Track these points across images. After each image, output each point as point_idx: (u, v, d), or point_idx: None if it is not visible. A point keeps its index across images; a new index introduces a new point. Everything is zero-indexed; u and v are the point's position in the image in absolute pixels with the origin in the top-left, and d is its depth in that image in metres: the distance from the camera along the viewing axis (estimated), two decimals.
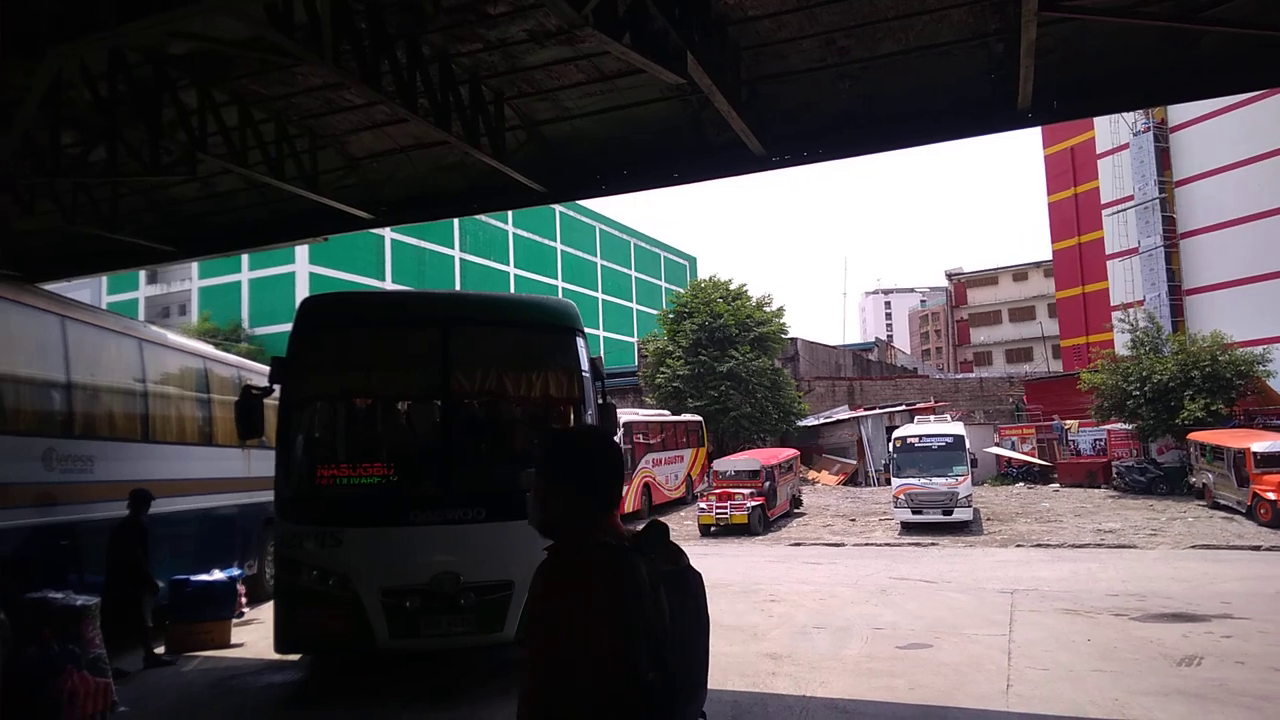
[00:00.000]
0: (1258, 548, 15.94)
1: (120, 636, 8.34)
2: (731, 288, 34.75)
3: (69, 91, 8.40)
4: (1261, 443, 19.69)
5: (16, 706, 6.15)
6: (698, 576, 2.15)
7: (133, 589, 8.61)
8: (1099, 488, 27.30)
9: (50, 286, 11.17)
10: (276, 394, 7.80)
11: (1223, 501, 20.91)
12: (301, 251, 42.69)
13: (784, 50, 8.07)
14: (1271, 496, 18.21)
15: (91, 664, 6.69)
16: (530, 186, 10.05)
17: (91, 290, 40.99)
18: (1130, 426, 27.09)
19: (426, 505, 7.32)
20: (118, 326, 10.27)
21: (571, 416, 8.40)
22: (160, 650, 9.18)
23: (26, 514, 7.76)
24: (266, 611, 10.97)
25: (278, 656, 8.53)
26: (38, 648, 6.43)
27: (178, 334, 13.39)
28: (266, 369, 8.10)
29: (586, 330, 8.56)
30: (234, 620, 9.98)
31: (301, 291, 41.99)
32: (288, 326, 8.29)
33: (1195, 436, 22.98)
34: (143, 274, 46.65)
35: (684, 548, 2.14)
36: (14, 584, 7.00)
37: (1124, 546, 16.69)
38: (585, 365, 8.18)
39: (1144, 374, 25.30)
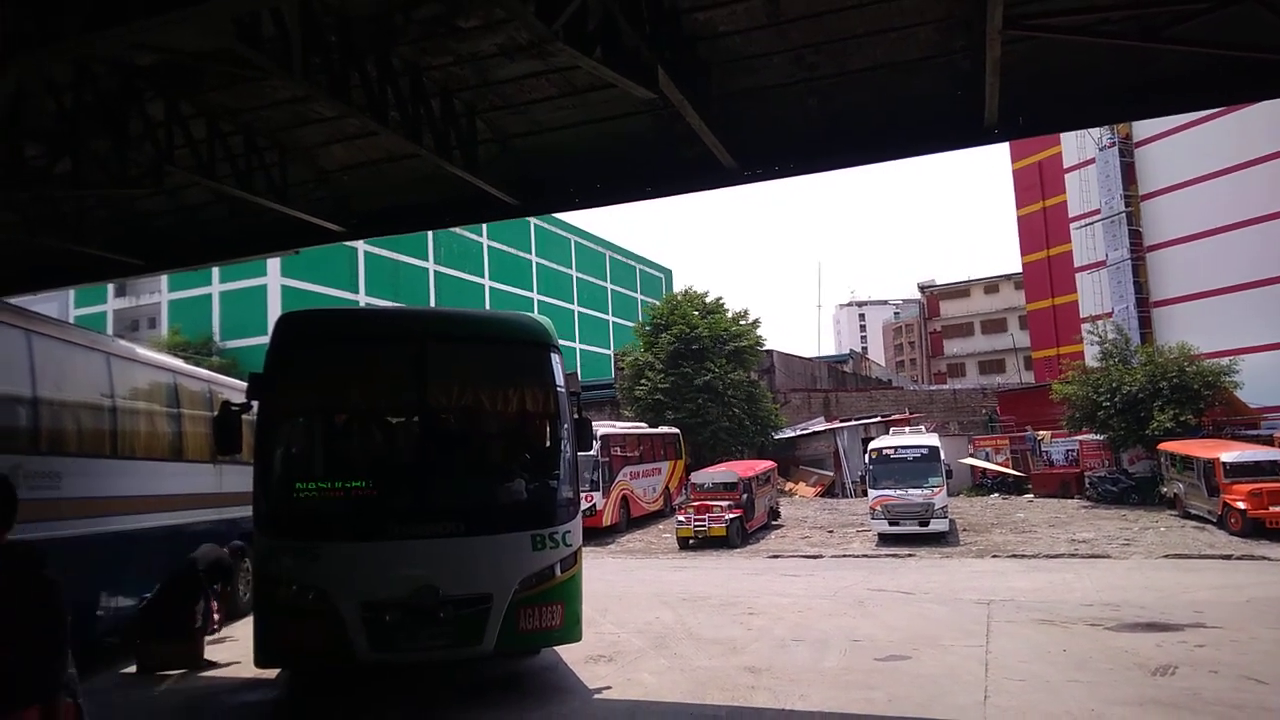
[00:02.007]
0: (1229, 557, 16.12)
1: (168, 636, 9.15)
2: (708, 300, 34.84)
3: (33, 102, 8.28)
4: (1230, 453, 19.97)
5: None
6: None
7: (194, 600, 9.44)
8: (1072, 498, 27.56)
9: (15, 300, 10.94)
10: (255, 410, 7.76)
11: (1194, 511, 21.15)
12: (274, 264, 42.33)
13: (754, 66, 8.12)
14: (1241, 506, 18.45)
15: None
16: (503, 200, 10.02)
17: (59, 304, 40.40)
18: (1102, 437, 27.39)
19: (404, 519, 7.33)
20: (85, 341, 10.08)
21: (547, 431, 8.41)
22: (132, 670, 8.99)
23: None
24: (241, 629, 10.85)
25: (253, 675, 8.47)
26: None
27: (147, 348, 13.19)
28: (238, 383, 8.05)
29: (562, 343, 8.56)
30: (208, 638, 9.82)
31: (274, 304, 41.62)
32: (260, 340, 8.23)
33: (1165, 447, 23.27)
34: (111, 287, 46.03)
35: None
36: None
37: (1098, 556, 16.83)
38: (560, 381, 8.20)
39: (1114, 385, 25.61)
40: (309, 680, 8.57)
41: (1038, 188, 46.95)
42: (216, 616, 10.24)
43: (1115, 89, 8.19)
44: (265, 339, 8.23)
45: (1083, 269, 40.96)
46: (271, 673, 8.55)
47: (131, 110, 8.64)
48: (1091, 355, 29.97)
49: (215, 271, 43.41)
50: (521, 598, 7.39)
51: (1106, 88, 8.20)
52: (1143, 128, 37.00)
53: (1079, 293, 41.77)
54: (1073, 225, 41.74)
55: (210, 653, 9.61)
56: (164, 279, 44.86)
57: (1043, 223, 46.62)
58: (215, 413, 8.78)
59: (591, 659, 9.02)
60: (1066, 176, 42.52)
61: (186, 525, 10.87)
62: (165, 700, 8.28)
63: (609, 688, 8.03)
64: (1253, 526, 18.04)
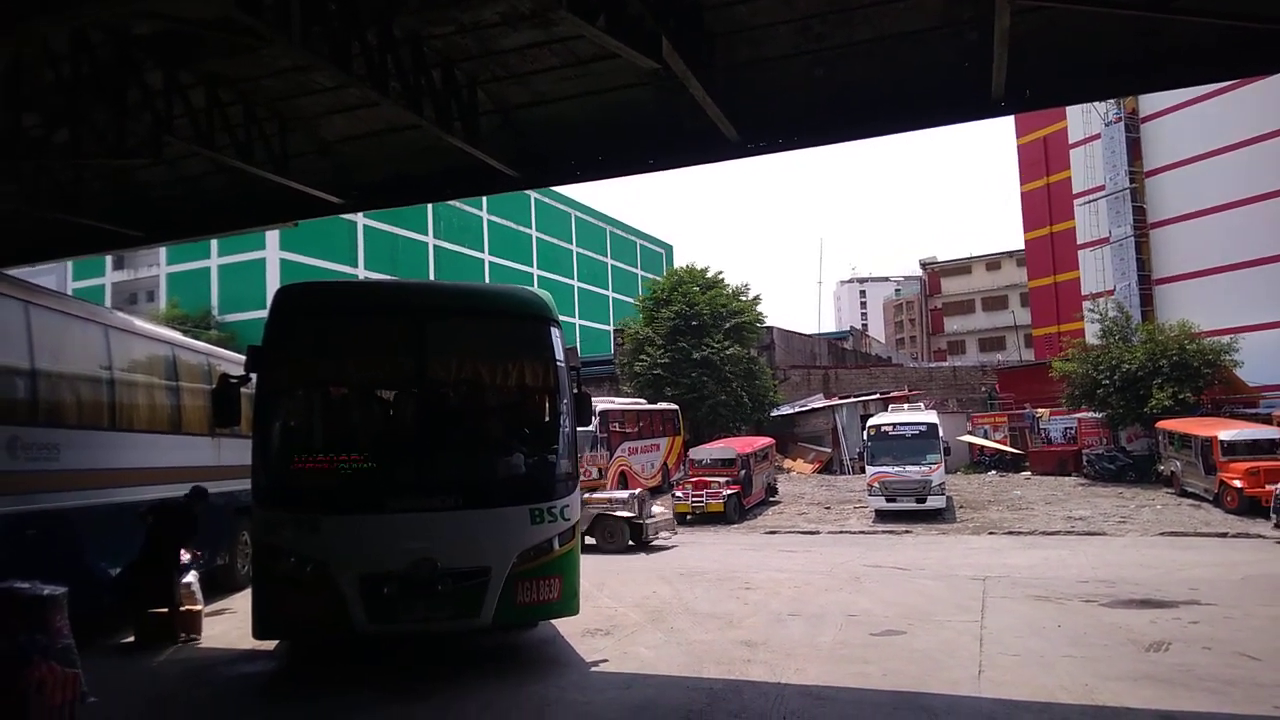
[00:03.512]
0: (1224, 534, 16.21)
1: (145, 605, 9.10)
2: (708, 276, 34.73)
3: (30, 72, 8.20)
4: (1228, 431, 20.01)
5: None
6: None
7: (169, 567, 9.15)
8: (1069, 475, 27.63)
9: (13, 272, 10.89)
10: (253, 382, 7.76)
11: (1190, 489, 21.23)
12: (272, 237, 42.11)
13: (759, 37, 8.04)
14: (1238, 484, 18.52)
15: (60, 654, 6.56)
16: (504, 172, 9.97)
17: (57, 276, 40.26)
18: (1100, 415, 27.43)
19: (403, 492, 7.37)
20: (83, 313, 10.05)
21: (546, 406, 8.40)
22: (130, 640, 9.03)
23: None
24: (239, 602, 10.91)
25: (250, 646, 8.51)
26: (5, 639, 6.30)
27: (145, 320, 13.15)
28: (236, 356, 8.02)
29: (561, 319, 8.53)
30: (205, 610, 9.86)
31: (272, 278, 41.43)
32: (258, 314, 8.22)
33: (1163, 425, 23.30)
34: (109, 260, 45.85)
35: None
36: None
37: (1094, 534, 16.91)
38: (560, 355, 8.18)
39: (1113, 363, 25.61)
40: (307, 652, 8.62)
41: (1042, 163, 46.65)
42: (187, 557, 9.63)
43: (1124, 61, 8.12)
44: (264, 313, 8.20)
45: (1085, 246, 40.78)
46: (270, 644, 8.61)
47: (129, 80, 8.57)
48: (1092, 333, 29.91)
49: (214, 245, 43.23)
50: (519, 571, 7.43)
51: (1115, 60, 8.14)
52: (1149, 103, 36.71)
53: (1081, 270, 41.61)
54: (1076, 202, 41.50)
55: (208, 625, 9.66)
56: (162, 252, 44.67)
57: (1046, 199, 46.36)
58: (213, 386, 8.77)
59: (589, 632, 9.07)
60: (1071, 152, 42.19)
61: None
62: (163, 670, 8.32)
63: (606, 660, 8.08)
64: (1249, 505, 18.10)
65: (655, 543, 16.38)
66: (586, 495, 15.70)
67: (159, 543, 9.28)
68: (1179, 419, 23.17)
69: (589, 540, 15.35)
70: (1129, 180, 37.19)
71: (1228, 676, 7.21)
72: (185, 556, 9.56)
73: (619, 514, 15.94)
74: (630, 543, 15.84)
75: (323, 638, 8.21)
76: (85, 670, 6.84)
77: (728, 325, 32.85)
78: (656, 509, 17.08)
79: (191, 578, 9.62)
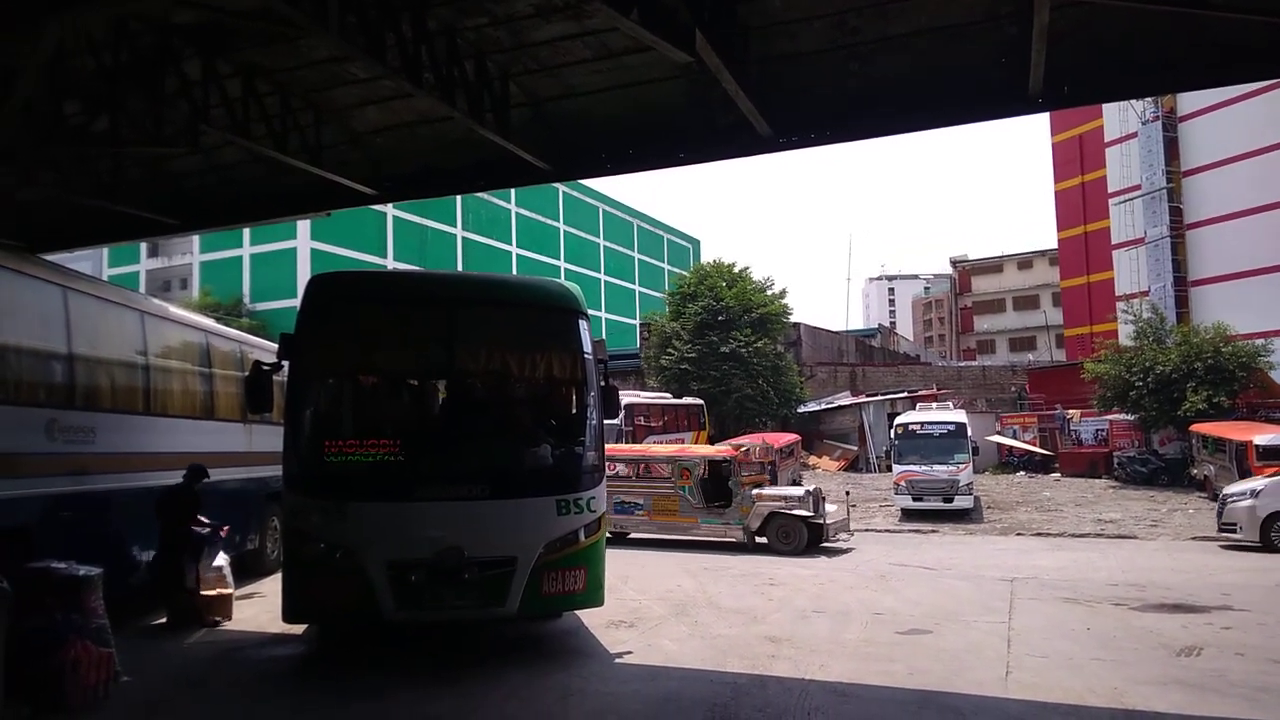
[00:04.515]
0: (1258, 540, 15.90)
1: (177, 589, 9.13)
2: (734, 270, 34.63)
3: (72, 60, 8.32)
4: (1264, 435, 19.65)
5: (20, 676, 6.16)
6: None
7: (177, 552, 9.13)
8: (1100, 478, 27.30)
9: (52, 258, 11.08)
10: (286, 370, 7.87)
11: None
12: (303, 227, 42.49)
13: (794, 30, 7.99)
14: None
15: (94, 633, 6.71)
16: (535, 164, 9.99)
17: (93, 263, 40.88)
18: (1132, 417, 27.07)
19: (431, 481, 7.42)
20: (119, 299, 10.20)
21: (574, 398, 8.41)
22: (162, 621, 9.18)
23: (29, 484, 7.74)
24: (268, 585, 11.06)
25: (280, 630, 8.63)
26: (40, 618, 6.44)
27: (179, 308, 13.33)
28: (269, 344, 8.11)
29: (589, 312, 8.54)
30: (236, 594, 10.00)
31: (303, 267, 41.85)
32: (289, 302, 8.32)
33: (1197, 428, 22.94)
34: (144, 247, 46.47)
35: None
36: (16, 554, 7.00)
37: (1124, 537, 16.70)
38: (588, 347, 8.19)
39: (1147, 365, 25.25)
40: (336, 636, 8.72)
41: (1077, 162, 46.01)
42: (208, 531, 9.51)
43: (1164, 58, 7.99)
44: (294, 302, 8.30)
45: (1120, 246, 40.23)
46: (299, 628, 8.72)
47: (168, 69, 8.67)
48: (1125, 334, 29.51)
49: (246, 234, 43.71)
50: (545, 561, 7.47)
51: (1155, 57, 8.00)
52: (1187, 102, 36.11)
53: (1115, 270, 41.05)
54: (1112, 201, 40.94)
55: (238, 608, 9.79)
56: (195, 241, 45.26)
57: (1081, 198, 45.74)
58: (246, 373, 8.86)
59: (613, 624, 9.10)
60: (1107, 151, 41.61)
61: (218, 483, 11.02)
62: (194, 652, 8.44)
63: (630, 653, 8.10)
64: None
65: (834, 545, 15.21)
66: (756, 492, 15.27)
67: (166, 529, 9.23)
68: (1213, 422, 22.80)
69: (760, 540, 14.89)
70: (1166, 180, 36.62)
71: (1261, 683, 7.09)
72: (220, 532, 9.64)
73: (796, 512, 14.73)
74: (806, 544, 14.57)
75: (351, 623, 8.29)
76: (118, 650, 6.99)
77: (754, 317, 32.73)
78: (830, 507, 15.77)
79: (222, 561, 9.74)
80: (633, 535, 15.87)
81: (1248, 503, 14.96)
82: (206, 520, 9.49)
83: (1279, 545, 14.43)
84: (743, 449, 17.74)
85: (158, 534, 9.22)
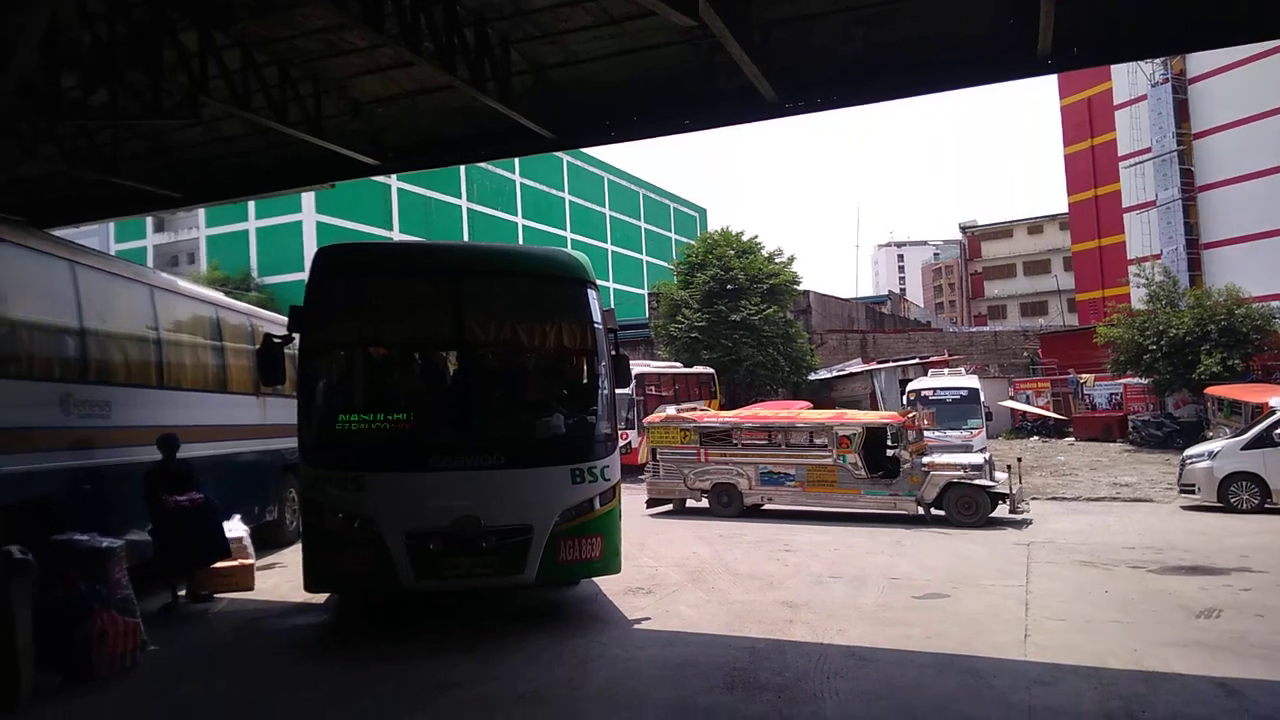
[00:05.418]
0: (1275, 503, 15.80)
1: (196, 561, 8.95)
2: (743, 240, 34.35)
3: (69, 33, 8.21)
4: None
5: (50, 647, 6.21)
6: None
7: (178, 525, 8.84)
8: (1114, 442, 27.20)
9: (58, 233, 11.03)
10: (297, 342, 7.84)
11: None
12: (309, 200, 42.40)
13: None
14: None
15: (120, 604, 6.79)
16: (538, 132, 9.86)
17: (99, 238, 40.87)
18: (1146, 381, 26.90)
19: (445, 451, 7.43)
20: (128, 273, 10.15)
21: (585, 367, 8.39)
22: (183, 594, 9.21)
23: (48, 458, 7.76)
24: (289, 556, 11.11)
25: (301, 600, 8.71)
26: (65, 589, 6.49)
27: (188, 281, 13.29)
28: (278, 317, 8.06)
29: (598, 282, 8.47)
30: (257, 564, 10.05)
31: (309, 240, 41.80)
32: (296, 276, 8.27)
33: (1213, 391, 22.77)
34: (150, 222, 46.46)
35: None
36: (37, 526, 7.02)
37: (1140, 500, 16.61)
38: (598, 317, 8.15)
39: (1160, 328, 25.05)
40: (356, 605, 8.78)
41: (1086, 125, 45.48)
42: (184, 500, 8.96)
43: (1175, 18, 7.80)
44: (301, 275, 8.24)
45: (1131, 209, 39.84)
46: (320, 598, 8.77)
47: (165, 40, 8.55)
48: (1138, 297, 29.29)
49: (251, 208, 43.60)
50: (561, 529, 7.47)
51: (1166, 16, 7.81)
52: (1197, 63, 35.57)
53: (1126, 233, 40.69)
54: (1122, 164, 40.48)
55: (259, 578, 9.84)
56: (201, 215, 45.20)
57: (1090, 161, 45.26)
58: (256, 346, 8.82)
59: (630, 591, 9.10)
60: (1117, 114, 41.11)
61: (232, 455, 11.06)
62: (218, 622, 8.53)
63: (648, 618, 8.10)
64: None
65: (1021, 516, 14.02)
66: (929, 460, 14.16)
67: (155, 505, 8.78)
68: (1228, 385, 22.61)
69: (937, 512, 13.73)
70: (1176, 142, 36.17)
71: None
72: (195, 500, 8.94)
73: (977, 482, 13.65)
74: (990, 515, 13.55)
75: (372, 592, 8.35)
76: (143, 621, 7.04)
77: (764, 287, 32.52)
78: (999, 475, 14.54)
79: (243, 532, 9.79)
80: (767, 507, 14.97)
81: (1205, 464, 15.01)
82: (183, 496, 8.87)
83: (1237, 506, 14.47)
84: (910, 415, 15.66)
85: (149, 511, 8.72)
